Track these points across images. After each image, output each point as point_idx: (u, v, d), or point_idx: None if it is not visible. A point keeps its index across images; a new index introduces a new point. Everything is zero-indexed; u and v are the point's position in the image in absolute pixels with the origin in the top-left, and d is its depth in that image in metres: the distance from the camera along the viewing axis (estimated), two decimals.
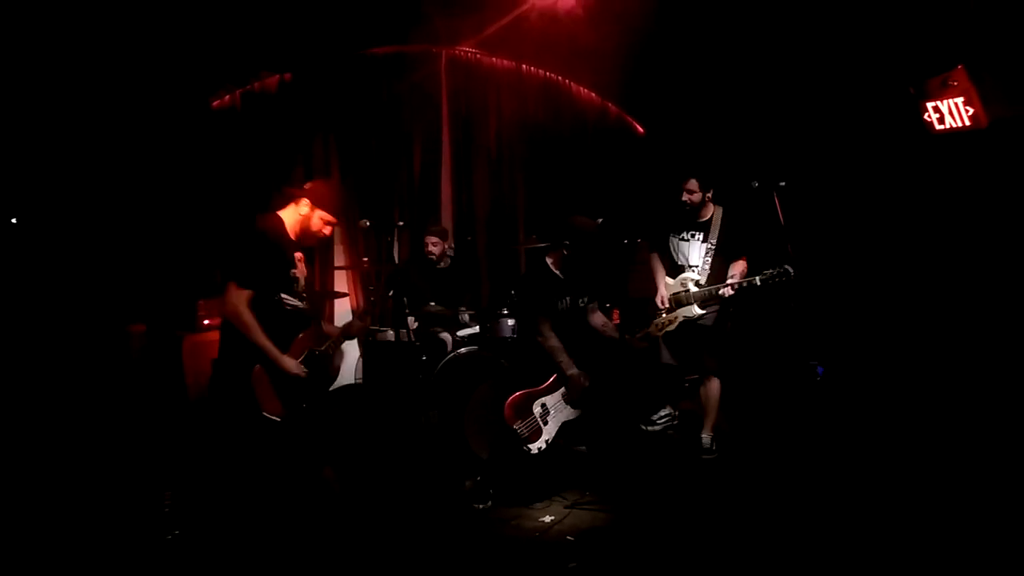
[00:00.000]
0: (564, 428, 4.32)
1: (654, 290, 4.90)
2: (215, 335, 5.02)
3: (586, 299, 4.50)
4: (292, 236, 3.51)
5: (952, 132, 4.73)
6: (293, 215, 3.52)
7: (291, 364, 3.38)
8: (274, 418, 3.34)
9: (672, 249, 4.88)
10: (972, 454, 4.30)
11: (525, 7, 6.11)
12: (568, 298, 4.41)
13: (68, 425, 4.43)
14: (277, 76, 6.08)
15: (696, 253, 4.79)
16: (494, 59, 7.02)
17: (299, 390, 3.43)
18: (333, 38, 6.05)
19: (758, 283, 4.43)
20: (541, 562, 3.46)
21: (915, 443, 4.60)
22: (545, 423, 4.27)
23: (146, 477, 4.21)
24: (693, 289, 4.71)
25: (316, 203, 3.52)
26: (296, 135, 6.10)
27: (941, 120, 4.78)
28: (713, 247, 4.73)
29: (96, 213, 4.96)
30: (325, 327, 3.84)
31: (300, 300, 3.52)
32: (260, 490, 3.44)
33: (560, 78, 7.39)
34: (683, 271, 4.81)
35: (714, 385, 4.82)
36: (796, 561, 3.36)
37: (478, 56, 6.92)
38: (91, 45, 4.80)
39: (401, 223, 4.08)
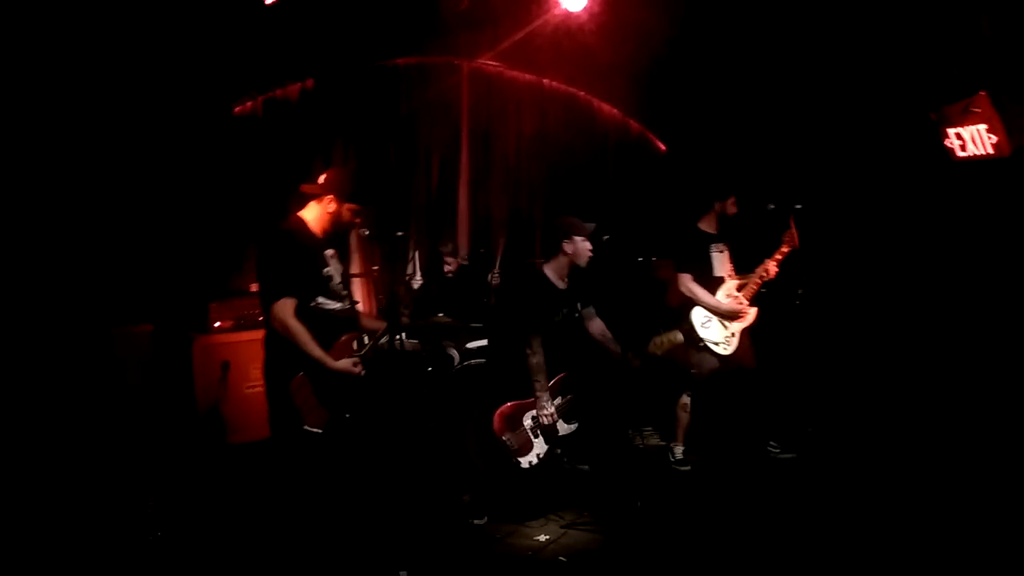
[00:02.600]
0: (562, 443, 4.24)
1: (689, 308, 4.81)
2: (225, 337, 5.16)
3: (580, 306, 4.42)
4: (320, 234, 3.44)
5: (976, 159, 4.63)
6: (317, 212, 3.45)
7: (344, 364, 3.28)
8: (316, 431, 3.26)
9: (710, 261, 4.84)
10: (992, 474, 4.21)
11: (548, 22, 6.11)
12: (566, 309, 4.34)
13: (69, 425, 4.47)
14: (299, 84, 6.14)
15: (723, 266, 4.83)
16: (516, 73, 7.02)
17: (346, 396, 3.35)
18: (356, 48, 6.10)
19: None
20: None
21: (934, 462, 4.52)
22: (536, 436, 4.17)
23: (139, 479, 4.24)
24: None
25: (339, 195, 3.43)
26: (315, 143, 6.14)
27: (964, 147, 4.68)
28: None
29: (113, 214, 5.02)
30: (367, 323, 3.75)
31: (338, 300, 3.45)
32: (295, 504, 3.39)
33: (582, 93, 7.38)
34: (721, 283, 4.80)
35: (691, 400, 4.83)
36: None
37: (499, 69, 6.94)
38: (117, 50, 4.87)
39: (400, 233, 4.03)
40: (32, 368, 4.41)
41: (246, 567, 3.52)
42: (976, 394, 4.90)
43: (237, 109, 5.90)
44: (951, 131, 4.75)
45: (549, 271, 4.36)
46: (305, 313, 3.28)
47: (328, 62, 6.12)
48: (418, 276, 5.78)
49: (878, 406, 5.34)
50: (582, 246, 4.26)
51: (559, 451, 4.50)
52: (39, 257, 4.61)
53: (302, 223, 3.44)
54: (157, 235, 5.20)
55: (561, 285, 4.35)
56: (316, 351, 3.23)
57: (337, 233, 3.52)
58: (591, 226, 4.29)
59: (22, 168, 4.60)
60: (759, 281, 4.74)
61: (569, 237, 4.26)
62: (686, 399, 4.85)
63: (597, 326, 4.50)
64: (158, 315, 5.09)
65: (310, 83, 6.17)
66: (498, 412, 4.12)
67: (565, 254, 4.29)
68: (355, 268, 6.21)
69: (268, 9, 5.20)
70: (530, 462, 4.11)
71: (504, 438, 4.09)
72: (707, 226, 4.86)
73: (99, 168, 4.97)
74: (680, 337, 4.29)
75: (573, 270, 4.33)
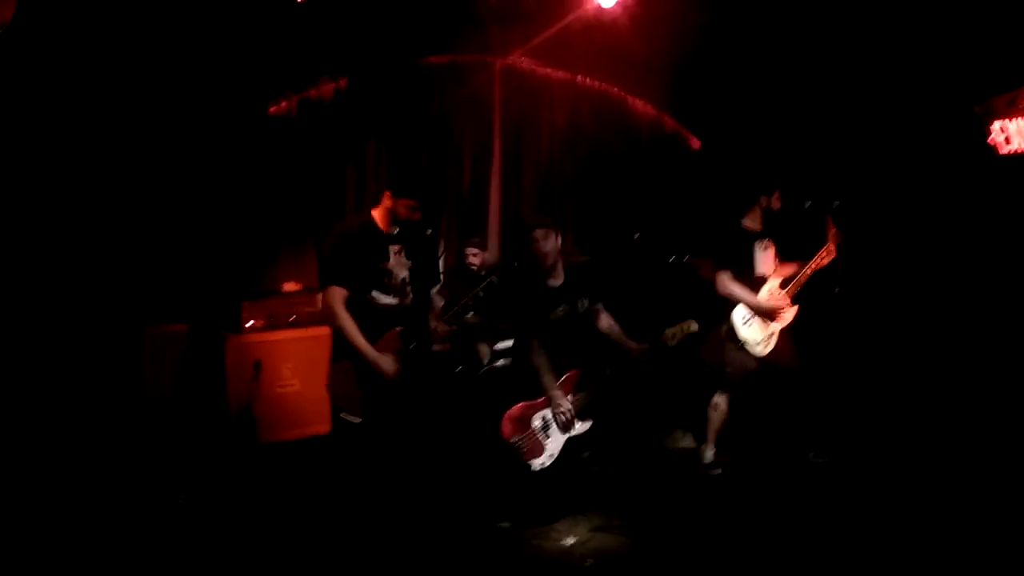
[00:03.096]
0: (587, 446, 4.18)
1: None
2: (258, 337, 5.21)
3: (587, 302, 4.33)
4: (385, 229, 3.58)
5: (1020, 154, 4.46)
6: (381, 211, 3.59)
7: (387, 364, 3.37)
8: (353, 419, 3.35)
9: (754, 259, 4.72)
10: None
11: (581, 18, 6.06)
12: (565, 305, 4.27)
13: (102, 424, 4.56)
14: (333, 84, 6.18)
15: (767, 264, 4.72)
16: (548, 70, 6.96)
17: (388, 391, 3.42)
18: (389, 47, 6.12)
19: None
20: None
21: (961, 463, 4.37)
22: (547, 437, 4.09)
23: (170, 478, 4.30)
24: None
25: (396, 192, 3.58)
26: (349, 142, 6.18)
27: (1008, 140, 4.52)
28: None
29: (148, 214, 5.11)
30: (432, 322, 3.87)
31: (396, 295, 3.54)
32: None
33: (615, 90, 7.28)
34: (763, 281, 4.69)
35: (723, 400, 4.74)
36: None
37: (532, 66, 6.89)
38: (154, 51, 4.96)
39: (429, 231, 4.02)
40: (67, 367, 4.51)
41: (273, 566, 3.54)
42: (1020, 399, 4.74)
43: (272, 109, 5.97)
44: (996, 124, 4.59)
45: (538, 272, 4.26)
46: (358, 304, 3.40)
47: (361, 61, 6.15)
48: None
49: (917, 408, 5.18)
50: (537, 247, 4.14)
51: (586, 455, 4.46)
52: (76, 257, 4.71)
53: (370, 217, 3.59)
54: (191, 235, 5.27)
55: (554, 283, 4.25)
56: (358, 339, 3.33)
57: (406, 231, 3.63)
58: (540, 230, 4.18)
59: (60, 168, 4.71)
60: (802, 280, 4.61)
61: (526, 238, 4.18)
62: (718, 399, 4.75)
63: (604, 321, 4.41)
64: (191, 314, 5.16)
65: (343, 83, 6.21)
66: (506, 415, 4.07)
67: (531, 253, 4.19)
68: None
69: (301, 9, 5.26)
70: (542, 464, 4.04)
71: (513, 441, 4.03)
72: (751, 222, 4.74)
73: (135, 167, 5.06)
74: (695, 327, 4.18)
75: (571, 267, 4.26)
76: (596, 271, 4.27)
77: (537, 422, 4.11)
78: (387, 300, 3.48)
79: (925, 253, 5.35)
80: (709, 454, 4.79)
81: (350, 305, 3.38)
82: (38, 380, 4.39)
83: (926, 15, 4.74)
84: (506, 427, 4.05)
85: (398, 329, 3.53)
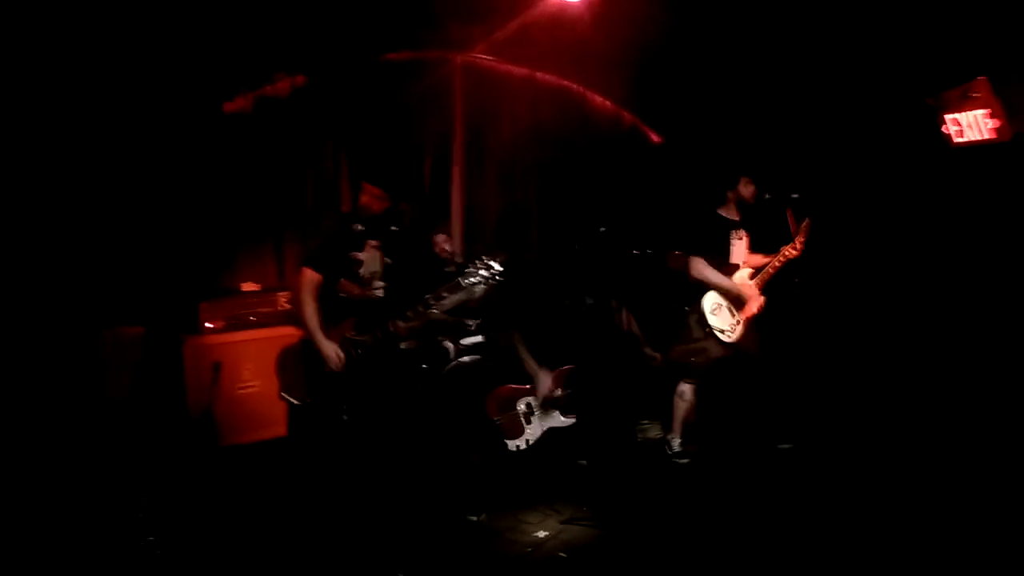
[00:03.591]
0: (553, 435, 4.23)
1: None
2: (217, 338, 5.10)
3: (592, 298, 4.41)
4: (361, 224, 3.65)
5: (973, 145, 4.57)
6: (359, 204, 3.72)
7: (330, 352, 3.42)
8: (292, 400, 3.38)
9: (730, 247, 4.78)
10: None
11: (540, 14, 6.04)
12: (568, 300, 4.35)
13: (59, 428, 4.42)
14: (289, 80, 6.07)
15: (740, 254, 4.79)
16: (508, 66, 6.96)
17: (331, 378, 3.45)
18: (347, 43, 6.04)
19: None
20: None
21: (934, 456, 4.46)
22: (528, 422, 4.24)
23: (129, 482, 4.19)
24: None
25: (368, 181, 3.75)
26: (307, 139, 6.08)
27: (961, 133, 4.64)
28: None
29: (102, 214, 4.96)
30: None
31: (362, 286, 3.58)
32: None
33: (574, 86, 7.31)
34: (736, 270, 4.76)
35: (689, 389, 4.78)
36: None
37: (492, 63, 6.87)
38: (105, 47, 4.81)
39: (394, 228, 4.00)
40: (21, 371, 4.35)
41: (239, 569, 3.46)
42: (975, 384, 4.86)
43: (227, 106, 5.84)
44: (948, 117, 4.70)
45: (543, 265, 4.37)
46: (325, 292, 3.48)
47: (319, 58, 6.04)
48: None
49: (877, 397, 5.29)
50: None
51: (584, 463, 4.51)
52: (28, 258, 4.56)
53: (354, 209, 3.80)
54: (146, 235, 5.13)
55: (557, 277, 4.35)
56: (312, 326, 3.39)
57: (380, 222, 3.70)
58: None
59: (10, 167, 4.53)
60: (771, 271, 4.70)
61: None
62: (684, 388, 4.79)
63: (624, 320, 4.53)
64: (148, 316, 5.02)
65: (300, 79, 6.10)
66: (493, 393, 4.22)
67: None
68: None
69: (258, 4, 5.15)
70: (518, 446, 4.19)
71: (495, 419, 4.17)
72: (727, 212, 4.83)
73: (88, 167, 4.91)
74: (714, 352, 4.30)
75: (568, 264, 4.31)
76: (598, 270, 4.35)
77: (522, 406, 4.28)
78: (351, 289, 3.49)
79: (882, 241, 5.46)
80: (676, 443, 4.83)
81: (322, 292, 3.47)
82: None
83: (881, 9, 4.83)
84: (491, 405, 4.22)
85: (350, 320, 3.55)
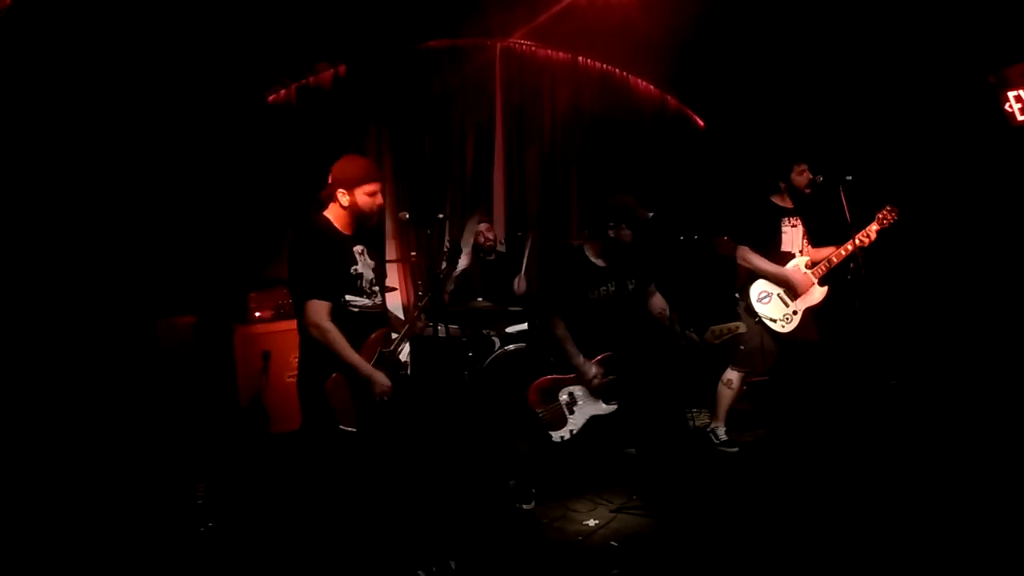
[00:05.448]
0: (596, 423, 4.18)
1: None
2: (265, 327, 5.16)
3: (634, 282, 4.32)
4: (346, 231, 3.33)
5: None
6: (336, 211, 3.31)
7: (381, 381, 3.20)
8: (351, 430, 3.20)
9: (780, 235, 4.67)
10: None
11: None
12: (610, 284, 4.26)
13: (115, 414, 4.52)
14: (331, 70, 6.10)
15: (793, 242, 4.66)
16: (549, 51, 6.90)
17: (382, 403, 3.27)
18: (388, 32, 6.04)
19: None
20: (583, 567, 3.36)
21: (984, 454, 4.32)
22: (571, 412, 4.17)
23: (185, 469, 4.26)
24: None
25: (346, 184, 3.27)
26: (349, 129, 6.11)
27: None
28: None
29: (154, 206, 5.04)
30: (392, 321, 3.70)
31: (368, 297, 3.35)
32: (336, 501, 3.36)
33: (617, 70, 7.22)
34: (790, 258, 4.64)
35: (736, 376, 4.71)
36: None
37: (532, 48, 6.82)
38: (153, 40, 4.87)
39: (441, 215, 3.98)
40: (80, 359, 4.46)
41: (288, 556, 3.50)
42: None
43: (271, 97, 5.89)
44: (1011, 94, 4.53)
45: (588, 249, 4.30)
46: (334, 311, 3.20)
47: (360, 47, 6.07)
48: (464, 258, 5.58)
49: (940, 388, 5.13)
50: (625, 233, 4.18)
51: (632, 451, 4.47)
52: (85, 250, 4.66)
53: (327, 222, 3.32)
54: (197, 227, 5.21)
55: (600, 263, 4.27)
56: (352, 356, 3.16)
57: (364, 226, 3.39)
58: (648, 213, 4.16)
59: (69, 163, 4.63)
60: (836, 260, 4.55)
61: (619, 224, 4.16)
62: (731, 375, 4.72)
63: (657, 304, 4.43)
64: (199, 306, 5.10)
65: (343, 69, 6.13)
66: (534, 385, 4.14)
67: (609, 237, 4.20)
68: (392, 254, 6.18)
69: None
70: (562, 437, 4.12)
71: (538, 411, 4.11)
72: (779, 199, 4.72)
73: (140, 160, 4.99)
74: (743, 328, 4.17)
75: (618, 248, 4.23)
76: (642, 252, 4.25)
77: (564, 396, 4.19)
78: (362, 302, 3.33)
79: (942, 226, 5.29)
80: (721, 432, 4.76)
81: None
82: (55, 375, 4.35)
83: None
84: (533, 396, 4.13)
85: (382, 331, 3.39)
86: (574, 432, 4.14)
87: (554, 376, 4.19)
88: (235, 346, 5.01)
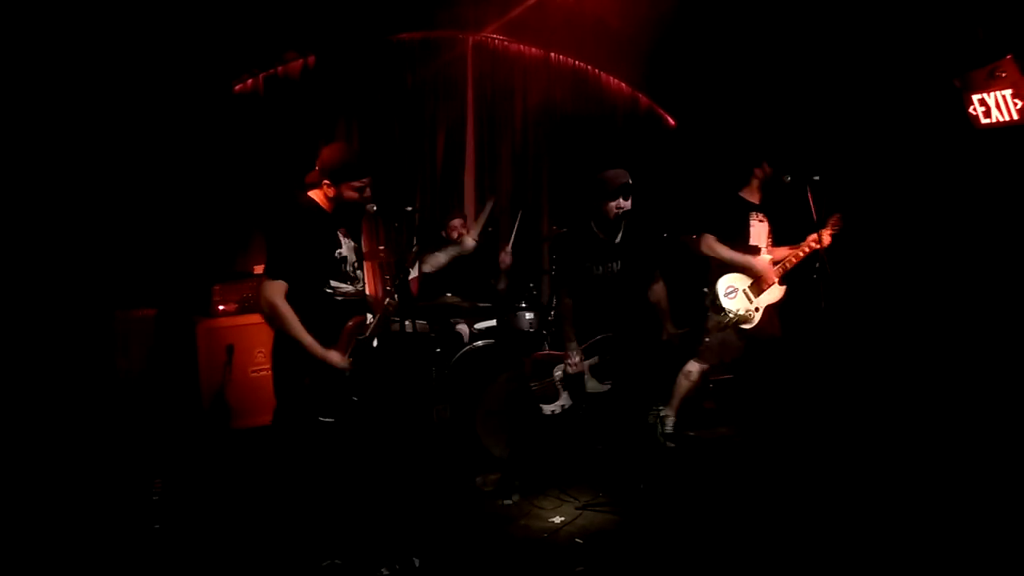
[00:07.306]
0: (589, 399, 4.27)
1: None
2: (230, 320, 5.07)
3: (620, 263, 4.31)
4: (329, 211, 3.28)
5: (999, 126, 4.47)
6: (322, 196, 3.27)
7: (336, 358, 3.15)
8: (328, 420, 3.17)
9: (749, 229, 4.68)
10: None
11: None
12: (610, 263, 4.28)
13: (72, 409, 4.41)
14: (301, 61, 6.01)
15: (759, 236, 4.69)
16: (521, 46, 6.87)
17: (349, 383, 3.24)
18: (358, 23, 5.96)
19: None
20: (548, 564, 3.34)
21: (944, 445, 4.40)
22: (564, 388, 4.28)
23: (142, 465, 4.17)
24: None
25: (333, 178, 3.22)
26: (318, 121, 6.02)
27: (988, 114, 4.53)
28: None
29: (115, 197, 4.93)
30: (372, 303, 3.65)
31: (351, 282, 3.30)
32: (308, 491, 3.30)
33: (589, 67, 7.21)
34: (756, 252, 4.66)
35: (697, 370, 4.71)
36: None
37: (505, 43, 6.79)
38: (115, 28, 4.76)
39: (409, 208, 3.92)
40: (35, 352, 4.34)
41: (253, 553, 3.43)
42: (1000, 374, 4.77)
43: (238, 87, 5.79)
44: (975, 98, 4.60)
45: (594, 224, 4.34)
46: (315, 298, 3.16)
47: (330, 38, 5.99)
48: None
49: (895, 384, 5.21)
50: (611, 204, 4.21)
51: (600, 447, 4.50)
52: (43, 242, 4.53)
53: (312, 202, 3.26)
54: (159, 217, 5.10)
55: (607, 238, 4.29)
56: (305, 337, 3.08)
57: (347, 212, 3.35)
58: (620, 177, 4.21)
59: (26, 152, 4.50)
60: (794, 260, 4.59)
61: (616, 196, 4.20)
62: (691, 367, 4.71)
63: (656, 292, 4.44)
64: (161, 298, 5.00)
65: (312, 59, 6.05)
66: (531, 358, 4.28)
67: (612, 210, 4.21)
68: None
69: None
70: (552, 411, 4.26)
71: (531, 384, 4.25)
72: (748, 195, 4.74)
73: (102, 150, 4.88)
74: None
75: (622, 225, 4.28)
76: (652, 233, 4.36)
77: (558, 372, 4.33)
78: (347, 288, 3.28)
79: (905, 227, 5.36)
80: (670, 423, 4.72)
81: (305, 298, 3.13)
82: (9, 366, 4.23)
83: None
84: (528, 369, 4.28)
85: (357, 319, 3.33)
86: (565, 408, 4.27)
87: (550, 352, 4.34)
88: (198, 339, 4.91)
